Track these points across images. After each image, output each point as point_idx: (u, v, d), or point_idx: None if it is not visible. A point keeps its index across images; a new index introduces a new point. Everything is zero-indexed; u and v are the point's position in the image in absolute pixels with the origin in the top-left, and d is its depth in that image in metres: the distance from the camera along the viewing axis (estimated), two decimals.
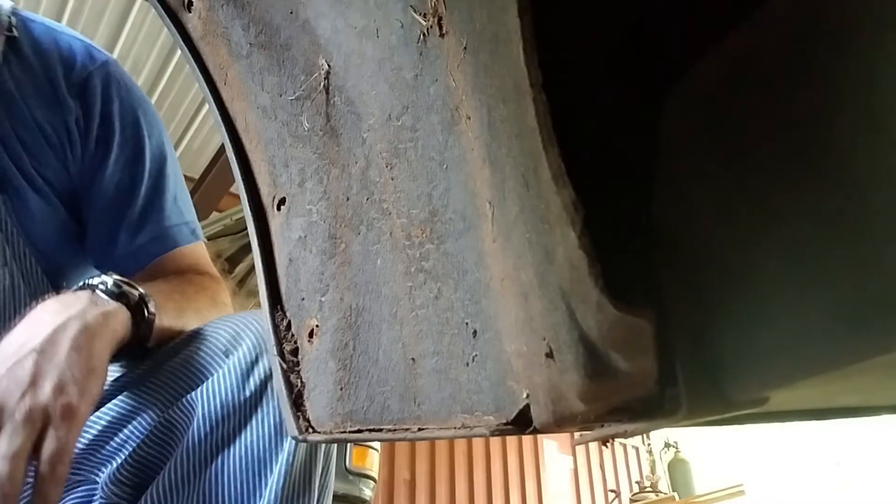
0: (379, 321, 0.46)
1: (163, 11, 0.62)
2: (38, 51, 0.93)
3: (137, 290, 0.76)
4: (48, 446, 0.61)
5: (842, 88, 0.27)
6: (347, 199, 0.48)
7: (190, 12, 0.61)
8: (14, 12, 0.94)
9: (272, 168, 0.55)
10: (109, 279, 0.75)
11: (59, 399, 0.62)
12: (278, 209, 0.55)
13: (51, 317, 0.67)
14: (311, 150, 0.51)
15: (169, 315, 0.79)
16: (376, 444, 2.72)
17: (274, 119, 0.54)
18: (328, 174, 0.49)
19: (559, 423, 0.34)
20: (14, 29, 0.92)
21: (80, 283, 0.75)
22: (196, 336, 0.80)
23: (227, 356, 0.76)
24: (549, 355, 0.32)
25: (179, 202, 0.99)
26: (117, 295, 0.74)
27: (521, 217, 0.32)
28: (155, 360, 0.79)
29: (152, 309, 0.76)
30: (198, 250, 0.99)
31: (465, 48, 0.35)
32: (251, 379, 0.74)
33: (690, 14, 0.35)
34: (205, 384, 0.75)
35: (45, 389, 0.62)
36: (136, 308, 0.75)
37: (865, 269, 0.25)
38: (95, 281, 0.75)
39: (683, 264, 0.32)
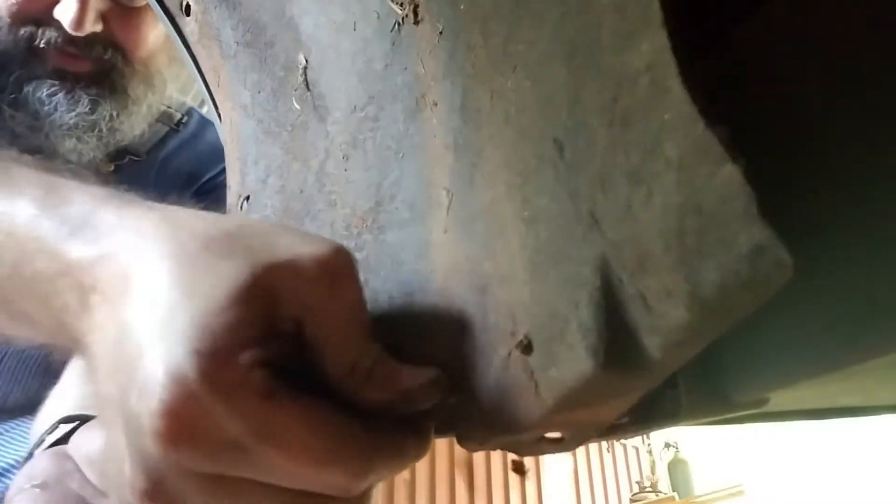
0: None
1: (164, 16, 0.62)
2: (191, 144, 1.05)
3: None
4: None
5: (842, 88, 0.27)
6: (301, 191, 0.47)
7: (188, 16, 0.61)
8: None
9: (243, 166, 0.54)
10: None
11: None
12: (241, 208, 0.54)
13: None
14: (278, 146, 0.50)
15: None
16: None
17: (251, 117, 0.53)
18: (289, 169, 0.49)
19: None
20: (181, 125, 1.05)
21: None
22: None
23: None
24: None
25: None
26: None
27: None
28: None
29: None
30: None
31: (440, 33, 0.34)
32: None
33: (690, 13, 0.35)
34: None
35: None
36: None
37: (865, 269, 0.25)
38: None
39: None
